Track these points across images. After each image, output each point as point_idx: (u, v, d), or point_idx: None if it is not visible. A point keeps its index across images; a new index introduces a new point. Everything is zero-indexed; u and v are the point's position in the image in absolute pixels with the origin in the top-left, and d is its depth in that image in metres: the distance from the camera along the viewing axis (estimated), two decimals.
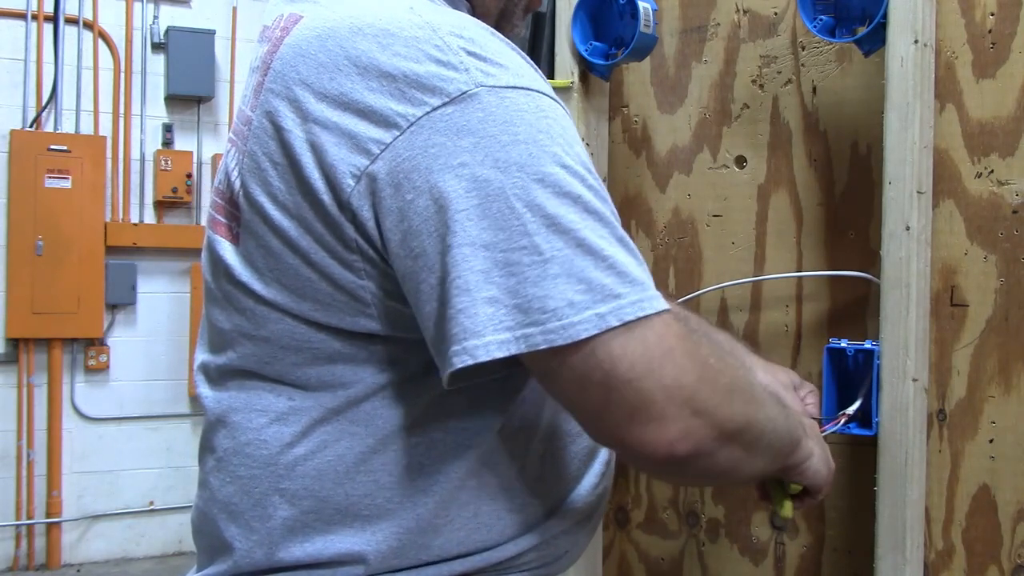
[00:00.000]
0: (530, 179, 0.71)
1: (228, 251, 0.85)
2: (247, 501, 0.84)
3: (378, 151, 0.74)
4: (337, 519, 0.82)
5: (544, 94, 0.76)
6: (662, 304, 0.73)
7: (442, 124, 0.72)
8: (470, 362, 0.71)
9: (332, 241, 0.77)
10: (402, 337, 0.80)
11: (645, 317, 0.71)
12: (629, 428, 0.72)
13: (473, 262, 0.70)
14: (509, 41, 0.81)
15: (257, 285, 0.82)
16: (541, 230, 0.70)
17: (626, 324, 0.70)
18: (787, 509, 1.03)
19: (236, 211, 0.84)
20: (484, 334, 0.70)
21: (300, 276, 0.79)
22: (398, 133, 0.73)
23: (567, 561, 0.94)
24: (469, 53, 0.74)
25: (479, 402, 0.83)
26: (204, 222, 0.91)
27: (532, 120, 0.73)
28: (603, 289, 0.70)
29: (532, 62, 0.81)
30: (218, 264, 0.87)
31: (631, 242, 0.75)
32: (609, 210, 0.75)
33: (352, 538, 0.82)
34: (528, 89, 0.75)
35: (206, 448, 0.90)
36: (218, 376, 0.88)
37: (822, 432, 1.11)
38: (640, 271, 0.73)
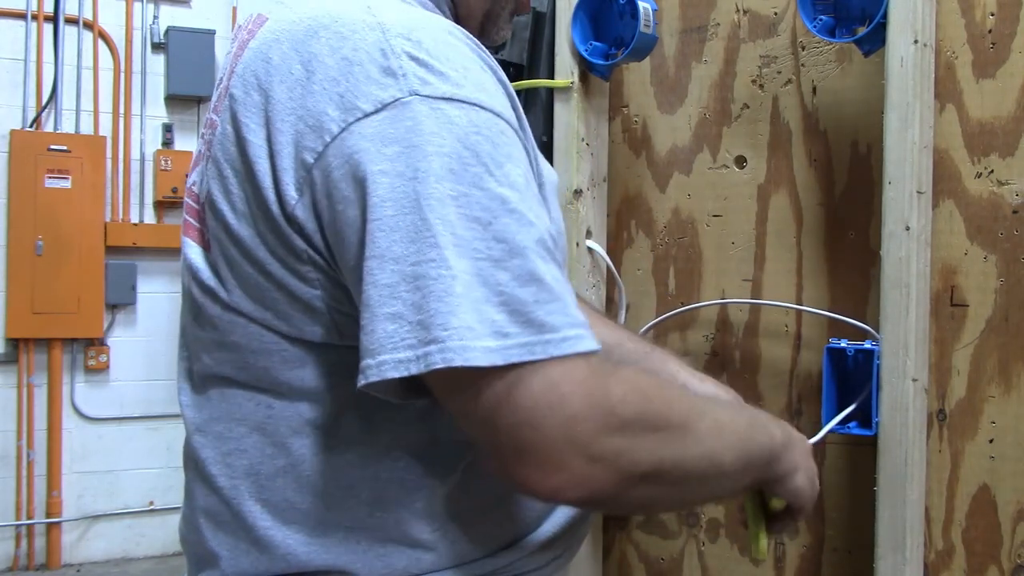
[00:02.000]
0: (446, 194, 0.69)
1: (199, 256, 0.84)
2: (229, 511, 0.83)
3: (312, 160, 0.72)
4: (320, 531, 0.80)
5: (482, 107, 0.73)
6: (559, 349, 0.68)
7: (370, 130, 0.70)
8: (363, 382, 0.68)
9: (284, 252, 0.76)
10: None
11: (534, 362, 0.67)
12: (516, 468, 0.69)
13: (378, 275, 0.68)
14: (474, 44, 0.78)
15: (222, 292, 0.81)
16: (450, 246, 0.68)
17: (511, 366, 0.67)
18: (762, 546, 0.98)
19: (205, 216, 0.83)
20: (380, 353, 0.68)
21: (260, 286, 0.78)
22: (329, 140, 0.72)
23: (560, 564, 0.93)
24: (412, 58, 0.72)
25: None
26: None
27: (460, 135, 0.70)
28: (492, 324, 0.67)
29: (492, 66, 0.78)
30: (189, 270, 0.86)
31: (544, 275, 0.70)
32: (529, 237, 0.70)
33: (336, 549, 0.80)
34: (464, 102, 0.72)
35: (188, 456, 0.89)
36: (200, 382, 0.88)
37: None
38: (541, 311, 0.69)
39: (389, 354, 0.67)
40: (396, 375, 0.67)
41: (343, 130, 0.71)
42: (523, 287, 0.69)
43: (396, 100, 0.71)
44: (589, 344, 0.70)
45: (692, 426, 0.77)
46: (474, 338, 0.66)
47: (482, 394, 0.68)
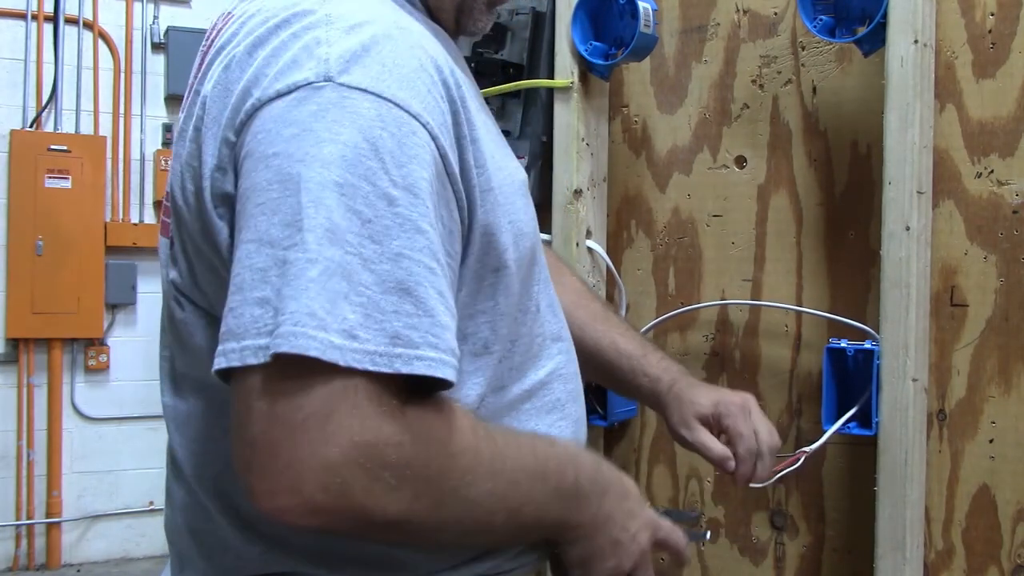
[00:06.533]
0: (331, 179, 0.66)
1: (167, 253, 0.84)
2: (204, 513, 0.83)
3: (234, 139, 0.72)
4: (282, 541, 0.79)
5: (396, 104, 0.69)
6: (408, 367, 0.64)
7: (276, 112, 0.69)
8: (224, 365, 0.64)
9: (217, 243, 0.74)
10: None
11: (348, 368, 0.63)
12: (247, 471, 0.65)
13: (255, 259, 0.65)
14: (432, 53, 0.75)
15: (185, 289, 0.81)
16: (320, 230, 0.64)
17: (351, 370, 0.63)
18: None
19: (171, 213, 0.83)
20: (244, 337, 0.64)
21: (205, 280, 0.78)
22: (246, 119, 0.71)
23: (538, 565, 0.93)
24: (343, 48, 0.70)
25: None
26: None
27: (364, 126, 0.67)
28: (344, 321, 0.63)
29: (444, 79, 0.75)
30: (162, 268, 0.86)
31: (415, 287, 0.66)
32: (412, 245, 0.67)
33: (301, 555, 0.79)
34: (378, 96, 0.69)
35: (168, 456, 0.89)
36: (179, 382, 0.87)
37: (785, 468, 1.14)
38: (399, 323, 0.65)
39: (252, 339, 0.64)
40: (254, 362, 0.63)
41: (257, 110, 0.70)
42: (385, 295, 0.65)
43: (309, 84, 0.69)
44: (444, 372, 0.66)
45: (465, 489, 0.71)
46: (316, 327, 0.62)
47: (315, 391, 0.63)
